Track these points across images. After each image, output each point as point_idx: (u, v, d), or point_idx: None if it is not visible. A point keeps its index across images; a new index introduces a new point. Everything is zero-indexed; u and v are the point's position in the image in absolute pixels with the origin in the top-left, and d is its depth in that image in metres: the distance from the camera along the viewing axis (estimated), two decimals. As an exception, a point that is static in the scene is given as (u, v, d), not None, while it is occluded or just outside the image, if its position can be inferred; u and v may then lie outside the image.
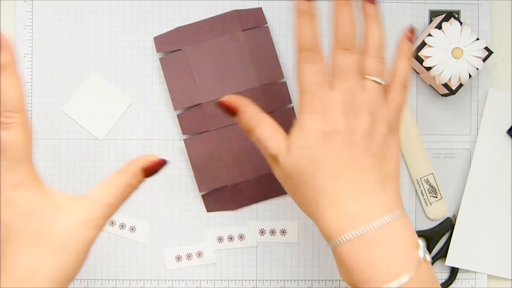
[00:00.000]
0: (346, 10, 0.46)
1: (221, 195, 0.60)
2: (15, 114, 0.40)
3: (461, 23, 0.57)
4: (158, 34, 0.60)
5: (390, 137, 0.45)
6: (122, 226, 0.60)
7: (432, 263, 0.61)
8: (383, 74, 0.46)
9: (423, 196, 0.61)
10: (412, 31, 0.49)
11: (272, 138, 0.46)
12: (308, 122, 0.44)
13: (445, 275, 0.61)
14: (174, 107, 0.59)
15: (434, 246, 0.61)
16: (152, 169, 0.44)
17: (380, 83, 0.45)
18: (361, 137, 0.43)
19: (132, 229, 0.60)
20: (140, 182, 0.44)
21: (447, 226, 0.61)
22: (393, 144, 0.45)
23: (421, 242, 0.43)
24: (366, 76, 0.45)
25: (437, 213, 0.61)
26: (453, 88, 0.57)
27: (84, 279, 0.59)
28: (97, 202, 0.42)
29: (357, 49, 0.45)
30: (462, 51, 0.56)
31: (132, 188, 0.44)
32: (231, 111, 0.48)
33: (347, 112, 0.44)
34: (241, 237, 0.60)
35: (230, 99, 0.48)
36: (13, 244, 0.40)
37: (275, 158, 0.46)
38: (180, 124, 0.59)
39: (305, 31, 0.46)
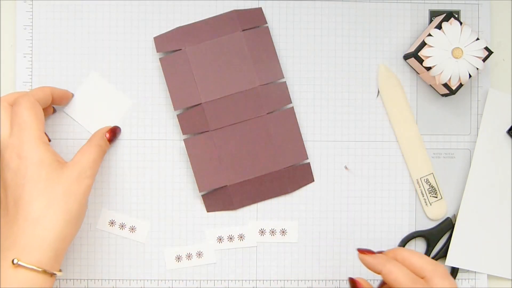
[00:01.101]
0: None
1: (221, 195, 0.60)
2: (22, 97, 0.52)
3: (461, 23, 0.57)
4: (158, 34, 0.60)
5: None
6: (122, 226, 0.60)
7: (432, 263, 0.61)
8: None
9: (423, 196, 0.61)
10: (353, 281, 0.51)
11: None
12: None
13: (445, 275, 0.61)
14: (174, 107, 0.59)
15: (434, 246, 0.61)
16: (111, 133, 0.57)
17: None
18: None
19: (132, 229, 0.60)
20: (107, 145, 0.57)
21: (447, 226, 0.61)
22: None
23: None
24: None
25: (437, 213, 0.61)
26: (453, 88, 0.57)
27: (84, 279, 0.59)
28: (84, 160, 0.53)
29: None
30: (462, 51, 0.56)
31: (102, 150, 0.55)
32: None
33: None
34: (241, 237, 0.60)
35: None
36: (30, 189, 0.49)
37: None
38: (180, 124, 0.59)
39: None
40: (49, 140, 0.57)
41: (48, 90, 0.55)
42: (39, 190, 0.49)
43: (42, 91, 0.54)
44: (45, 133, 0.54)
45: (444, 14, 0.58)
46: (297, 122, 0.60)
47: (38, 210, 0.49)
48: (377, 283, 0.60)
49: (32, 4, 0.60)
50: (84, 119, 0.60)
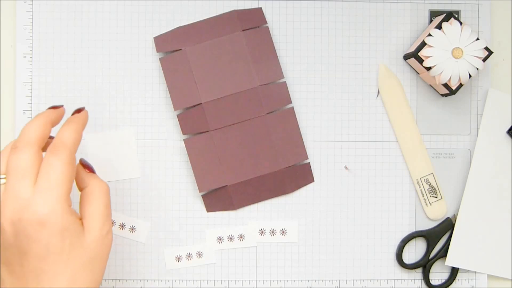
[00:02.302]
0: None
1: (221, 195, 0.60)
2: (63, 148, 0.44)
3: (461, 23, 0.57)
4: (158, 34, 0.60)
5: None
6: (122, 226, 0.60)
7: (432, 263, 0.61)
8: None
9: (423, 196, 0.61)
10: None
11: None
12: None
13: (445, 275, 0.61)
14: (174, 107, 0.59)
15: (434, 246, 0.61)
16: (86, 166, 0.48)
17: None
18: None
19: (132, 229, 0.60)
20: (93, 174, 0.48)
21: (447, 226, 0.61)
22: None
23: None
24: None
25: (437, 213, 0.61)
26: (453, 88, 0.57)
27: (84, 279, 0.59)
28: (97, 213, 0.45)
29: None
30: (462, 51, 0.56)
31: (100, 184, 0.47)
32: None
33: None
34: (241, 237, 0.60)
35: None
36: (53, 262, 0.42)
37: None
38: (180, 124, 0.59)
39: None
40: None
41: (82, 131, 0.47)
42: (63, 262, 0.43)
43: (79, 137, 0.46)
44: None
45: (444, 14, 0.58)
46: (297, 122, 0.60)
47: (63, 284, 0.43)
48: (377, 283, 0.61)
49: (32, 4, 0.60)
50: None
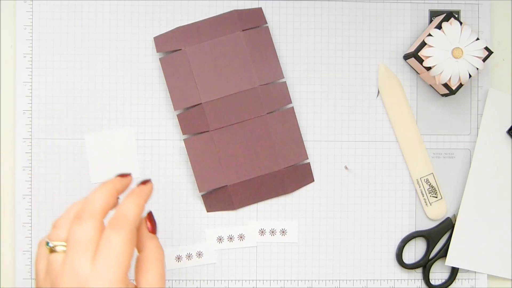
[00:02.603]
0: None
1: (221, 195, 0.60)
2: (125, 223, 0.42)
3: (461, 23, 0.57)
4: (158, 34, 0.60)
5: None
6: (122, 226, 0.60)
7: (432, 263, 0.61)
8: None
9: (423, 196, 0.61)
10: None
11: None
12: None
13: (445, 275, 0.61)
14: (174, 107, 0.59)
15: (434, 246, 0.61)
16: (151, 221, 0.46)
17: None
18: None
19: (132, 229, 0.60)
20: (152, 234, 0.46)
21: (447, 226, 0.61)
22: None
23: None
24: None
25: (437, 213, 0.61)
26: (453, 88, 0.57)
27: (84, 279, 0.59)
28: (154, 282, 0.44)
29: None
30: (462, 51, 0.56)
31: (156, 244, 0.45)
32: None
33: None
34: (241, 237, 0.60)
35: None
36: None
37: None
38: (180, 124, 0.59)
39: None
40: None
41: (144, 205, 0.45)
42: None
43: (142, 211, 0.44)
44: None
45: (444, 14, 0.58)
46: (297, 122, 0.60)
47: None
48: (377, 283, 0.61)
49: (32, 4, 0.60)
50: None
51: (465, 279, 0.61)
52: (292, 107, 0.60)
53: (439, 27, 0.57)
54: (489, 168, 0.61)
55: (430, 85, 0.61)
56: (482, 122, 0.61)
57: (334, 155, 0.61)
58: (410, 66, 0.61)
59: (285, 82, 0.60)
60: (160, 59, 0.59)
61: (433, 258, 0.61)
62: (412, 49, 0.58)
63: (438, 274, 0.61)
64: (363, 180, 0.61)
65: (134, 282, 0.43)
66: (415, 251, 0.61)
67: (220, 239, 0.60)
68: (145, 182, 0.46)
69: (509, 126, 0.61)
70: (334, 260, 0.61)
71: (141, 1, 0.60)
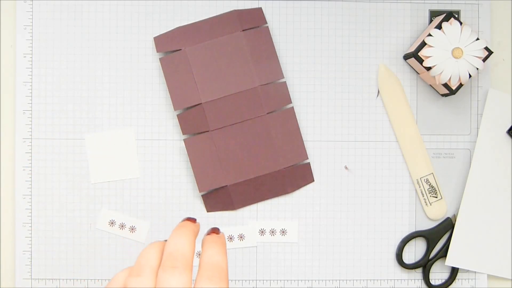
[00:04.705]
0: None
1: (221, 195, 0.60)
2: (223, 275, 0.39)
3: (461, 23, 0.57)
4: (158, 34, 0.60)
5: None
6: (122, 226, 0.60)
7: (432, 263, 0.61)
8: None
9: (423, 196, 0.61)
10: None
11: None
12: None
13: (445, 275, 0.61)
14: (174, 107, 0.59)
15: (434, 246, 0.61)
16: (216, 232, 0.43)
17: None
18: None
19: (132, 229, 0.60)
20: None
21: (447, 226, 0.61)
22: None
23: None
24: None
25: (437, 213, 0.61)
26: (453, 88, 0.57)
27: (84, 279, 0.59)
28: None
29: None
30: (462, 51, 0.56)
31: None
32: None
33: None
34: (241, 237, 0.60)
35: None
36: None
37: None
38: (180, 124, 0.59)
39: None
40: None
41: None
42: None
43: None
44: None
45: (444, 14, 0.58)
46: (297, 122, 0.60)
47: None
48: (377, 283, 0.61)
49: (32, 4, 0.60)
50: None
51: (465, 279, 0.61)
52: (292, 107, 0.60)
53: (439, 27, 0.57)
54: (489, 168, 0.61)
55: (430, 85, 0.61)
56: (482, 122, 0.61)
57: (334, 155, 0.61)
58: (410, 66, 0.61)
59: (285, 82, 0.60)
60: (160, 59, 0.59)
61: (433, 258, 0.61)
62: (412, 49, 0.59)
63: (438, 274, 0.61)
64: (363, 180, 0.61)
65: None
66: (415, 251, 0.61)
67: (220, 239, 0.60)
68: (215, 230, 0.43)
69: (509, 126, 0.61)
70: (334, 260, 0.61)
71: (141, 1, 0.60)
